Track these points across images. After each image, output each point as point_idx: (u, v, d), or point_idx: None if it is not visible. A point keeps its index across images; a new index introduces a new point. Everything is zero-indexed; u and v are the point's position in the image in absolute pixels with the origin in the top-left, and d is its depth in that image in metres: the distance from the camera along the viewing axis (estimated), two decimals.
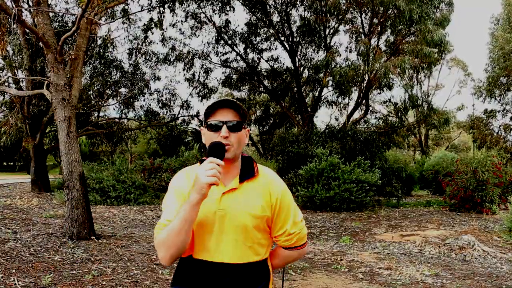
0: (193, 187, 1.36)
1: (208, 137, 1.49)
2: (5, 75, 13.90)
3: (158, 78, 18.13)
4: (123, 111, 18.24)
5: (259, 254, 1.53)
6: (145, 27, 12.64)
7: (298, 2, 16.21)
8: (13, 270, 4.58)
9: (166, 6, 9.64)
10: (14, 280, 4.22)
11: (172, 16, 11.87)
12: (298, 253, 1.65)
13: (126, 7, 12.51)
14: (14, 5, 6.42)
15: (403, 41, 14.89)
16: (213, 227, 1.46)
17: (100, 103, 17.41)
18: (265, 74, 18.63)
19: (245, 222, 1.48)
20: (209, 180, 1.31)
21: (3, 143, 13.84)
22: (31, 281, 4.26)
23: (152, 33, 12.83)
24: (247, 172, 1.52)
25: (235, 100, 1.48)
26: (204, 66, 18.37)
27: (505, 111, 20.84)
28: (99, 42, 14.86)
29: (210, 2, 16.22)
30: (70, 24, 13.62)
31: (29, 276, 4.44)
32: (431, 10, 14.07)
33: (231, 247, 1.47)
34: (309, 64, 17.59)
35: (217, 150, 1.39)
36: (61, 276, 4.52)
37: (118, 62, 16.69)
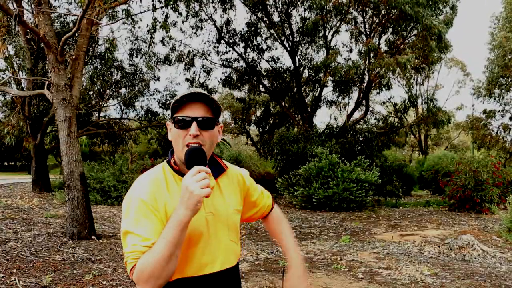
0: (184, 204, 1.15)
1: (175, 135, 1.30)
2: (6, 75, 13.91)
3: (158, 79, 18.16)
4: (124, 111, 18.29)
5: (238, 255, 1.47)
6: (149, 28, 12.69)
7: (298, 2, 16.21)
8: (14, 270, 4.60)
9: (169, 7, 9.66)
10: (15, 280, 4.25)
11: (177, 16, 11.86)
12: (279, 210, 1.72)
13: (129, 8, 12.49)
14: (15, 6, 6.45)
15: (405, 41, 14.89)
16: (202, 236, 1.31)
17: (100, 103, 17.44)
18: (265, 74, 18.62)
19: (235, 219, 1.42)
20: (205, 193, 1.14)
21: (7, 143, 13.87)
22: (32, 280, 4.29)
23: (154, 33, 12.78)
24: (217, 169, 1.42)
25: (206, 93, 1.30)
26: (205, 66, 18.38)
27: (504, 111, 20.81)
28: (100, 42, 14.87)
29: (211, 0, 16.23)
30: (71, 25, 13.62)
31: (30, 275, 4.46)
32: (435, 12, 14.05)
33: (223, 251, 1.36)
34: (309, 64, 17.59)
35: (198, 156, 1.23)
36: (61, 276, 4.54)
37: (119, 63, 16.71)
